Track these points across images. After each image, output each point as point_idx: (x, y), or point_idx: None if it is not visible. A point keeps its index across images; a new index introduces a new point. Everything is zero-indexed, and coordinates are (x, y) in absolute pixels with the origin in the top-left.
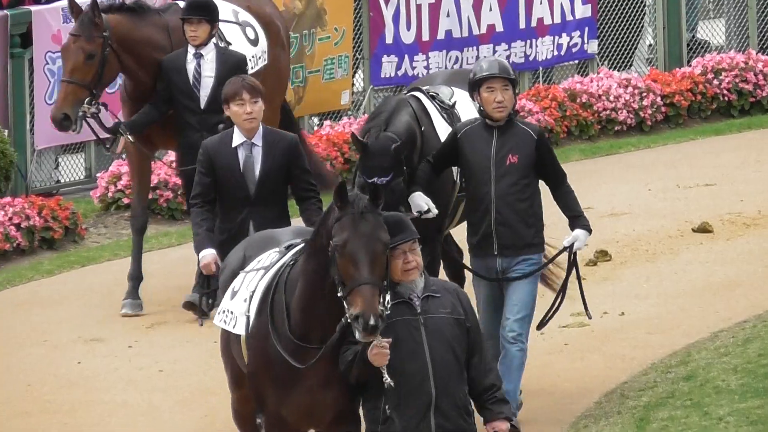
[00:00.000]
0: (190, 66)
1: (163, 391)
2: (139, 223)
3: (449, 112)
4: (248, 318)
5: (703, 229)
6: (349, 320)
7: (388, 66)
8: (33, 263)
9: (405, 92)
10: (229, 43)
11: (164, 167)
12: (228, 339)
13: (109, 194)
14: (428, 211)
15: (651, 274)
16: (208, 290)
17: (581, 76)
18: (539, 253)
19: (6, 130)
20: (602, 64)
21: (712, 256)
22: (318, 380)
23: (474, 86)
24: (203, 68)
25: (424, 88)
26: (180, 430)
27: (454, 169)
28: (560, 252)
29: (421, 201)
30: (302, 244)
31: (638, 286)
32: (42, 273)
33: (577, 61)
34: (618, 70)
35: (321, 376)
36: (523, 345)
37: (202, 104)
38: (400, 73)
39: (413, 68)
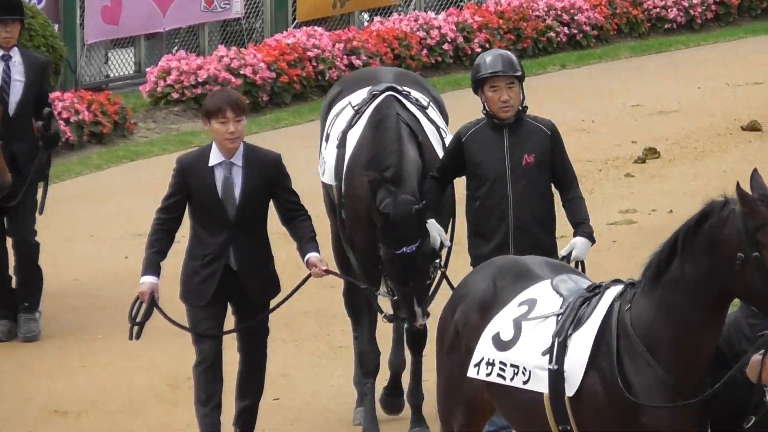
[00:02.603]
0: None
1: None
2: None
3: (425, 114)
4: (561, 373)
5: (753, 127)
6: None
7: None
8: (82, 158)
9: (374, 92)
10: None
11: (214, 63)
12: (473, 391)
13: (159, 89)
14: (442, 246)
15: (699, 171)
16: (138, 322)
17: None
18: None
19: (56, 25)
20: None
21: (761, 154)
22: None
23: (477, 84)
24: (12, 71)
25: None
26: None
27: None
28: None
29: (434, 233)
30: (617, 286)
31: (686, 184)
32: (90, 168)
33: None
34: None
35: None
36: None
37: (12, 111)
38: None
39: None
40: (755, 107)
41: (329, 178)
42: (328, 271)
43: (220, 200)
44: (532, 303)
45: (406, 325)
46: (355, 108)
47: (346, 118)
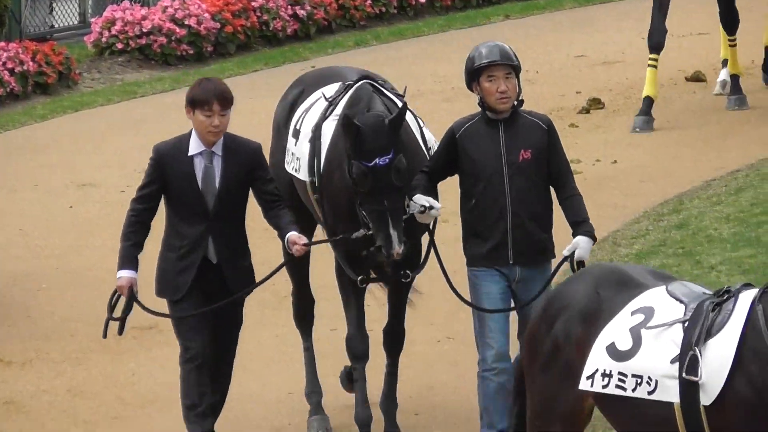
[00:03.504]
0: None
1: (156, 238)
2: None
3: (402, 101)
4: (694, 382)
5: (697, 78)
6: None
7: None
8: (26, 108)
9: (348, 82)
10: None
11: (158, 13)
12: (576, 406)
13: (103, 39)
14: (431, 207)
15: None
16: (117, 317)
17: None
18: (551, 259)
19: None
20: None
21: (705, 105)
22: None
23: (473, 76)
24: None
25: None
26: None
27: None
28: (561, 263)
29: (422, 200)
30: (750, 290)
31: (631, 135)
32: (35, 118)
33: None
34: None
35: None
36: None
37: None
38: None
39: None
40: (699, 58)
41: (304, 174)
42: (307, 244)
43: (200, 190)
44: (648, 311)
45: (384, 257)
46: (330, 99)
47: (320, 110)
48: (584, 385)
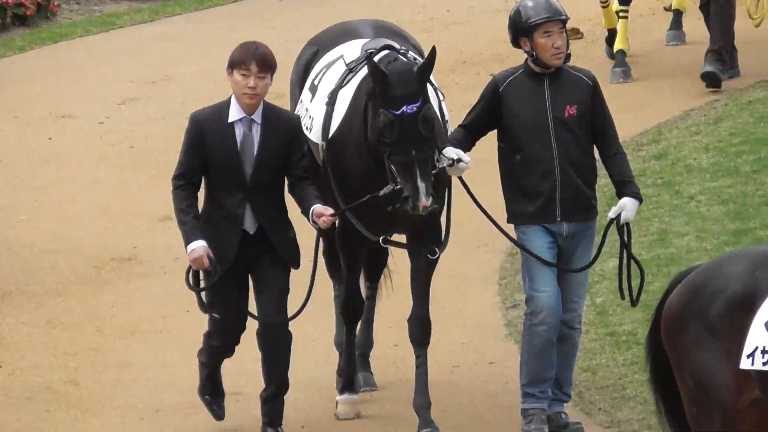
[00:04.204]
0: None
1: (133, 168)
2: None
3: None
4: None
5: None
6: None
7: None
8: (5, 40)
9: (371, 50)
10: None
11: None
12: (738, 385)
13: None
14: (459, 160)
15: None
16: (201, 288)
17: None
18: (596, 217)
19: None
20: None
21: (685, 36)
22: None
23: (526, 32)
24: None
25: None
26: (153, 202)
27: None
28: (609, 226)
29: (451, 153)
30: None
31: (609, 65)
32: (14, 50)
33: None
34: None
35: None
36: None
37: None
38: None
39: None
40: None
41: (316, 136)
42: (334, 214)
43: (239, 158)
44: None
45: (412, 210)
46: (349, 66)
47: (338, 75)
48: (745, 364)
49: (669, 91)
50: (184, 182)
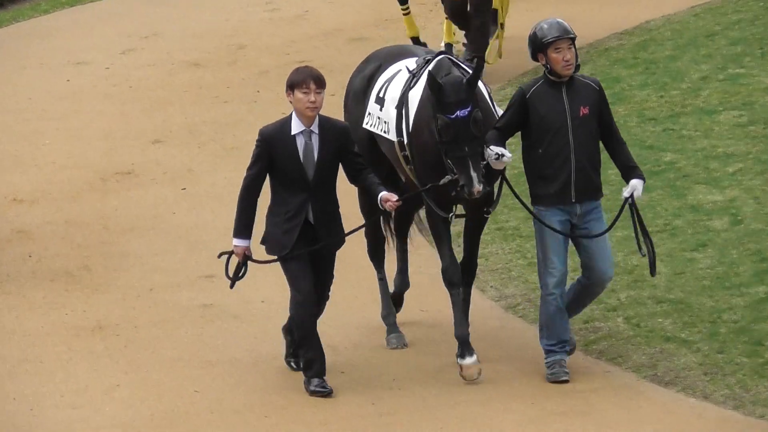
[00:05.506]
0: None
1: (131, 102)
2: None
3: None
4: None
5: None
6: None
7: None
8: (32, 5)
9: (428, 57)
10: None
11: None
12: None
13: None
14: (502, 155)
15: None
16: (238, 277)
17: None
18: (602, 197)
19: None
20: None
21: None
22: None
23: (541, 48)
24: None
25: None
26: (146, 129)
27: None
28: (625, 203)
29: (495, 149)
30: None
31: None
32: (39, 12)
33: None
34: None
35: None
36: None
37: None
38: None
39: None
40: None
41: (393, 135)
42: (399, 200)
43: (302, 164)
44: None
45: (466, 194)
46: (413, 71)
47: (402, 81)
48: None
49: None
50: (252, 182)
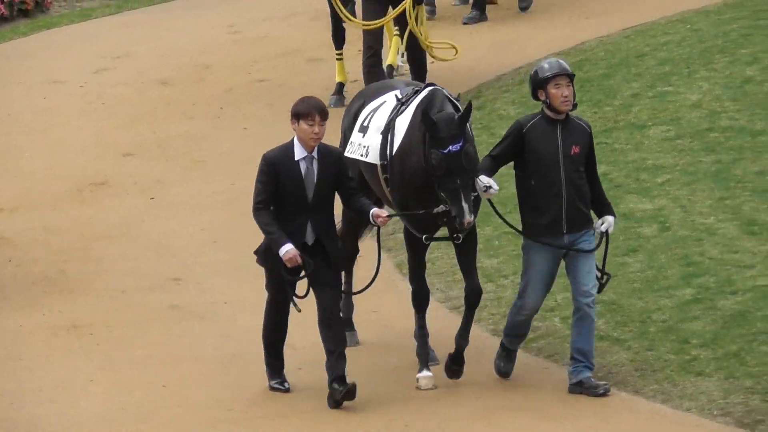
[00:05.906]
0: None
1: (104, 118)
2: None
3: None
4: None
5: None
6: None
7: None
8: (13, 27)
9: (417, 87)
10: None
11: None
12: None
13: None
14: (490, 187)
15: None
16: (303, 276)
17: None
18: (592, 226)
19: None
20: None
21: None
22: None
23: (541, 84)
24: None
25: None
26: (118, 143)
27: None
28: (602, 238)
29: (485, 181)
30: None
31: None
32: (19, 34)
33: None
34: None
35: None
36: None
37: None
38: None
39: None
40: None
41: (374, 158)
42: (389, 216)
43: (303, 187)
44: None
45: (457, 226)
46: (401, 99)
47: (389, 108)
48: None
49: (486, 59)
50: (263, 206)
